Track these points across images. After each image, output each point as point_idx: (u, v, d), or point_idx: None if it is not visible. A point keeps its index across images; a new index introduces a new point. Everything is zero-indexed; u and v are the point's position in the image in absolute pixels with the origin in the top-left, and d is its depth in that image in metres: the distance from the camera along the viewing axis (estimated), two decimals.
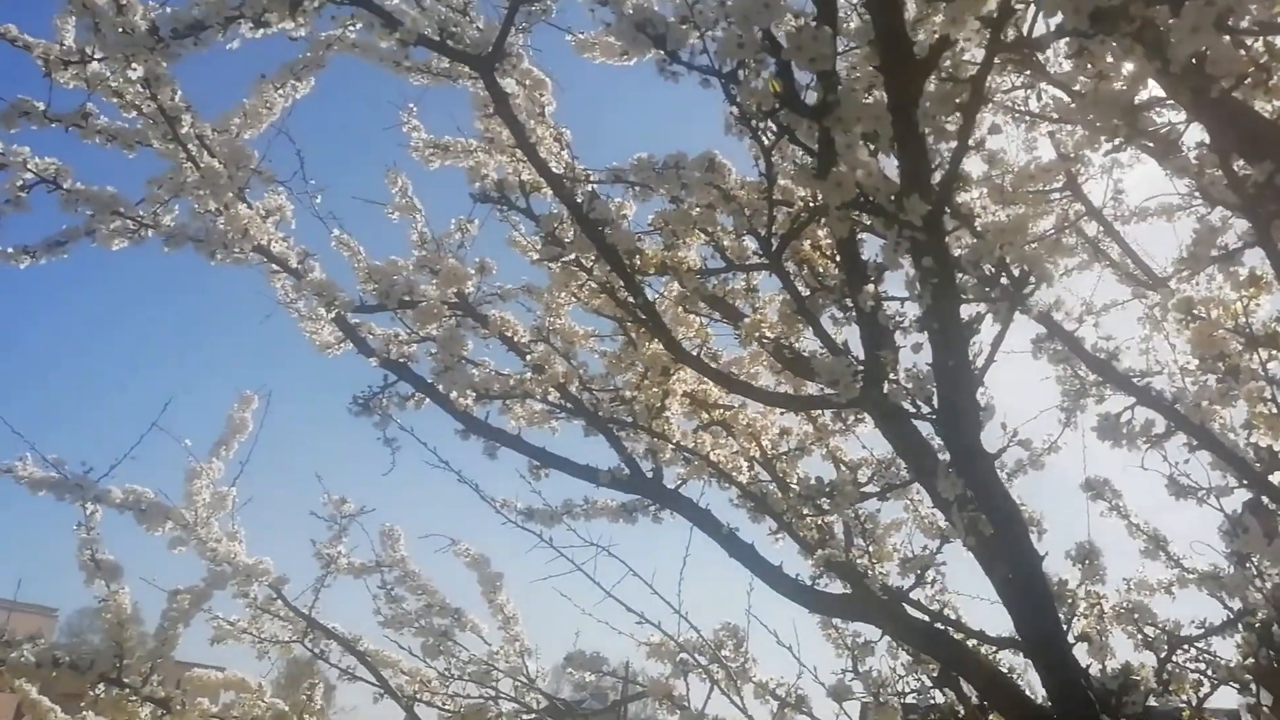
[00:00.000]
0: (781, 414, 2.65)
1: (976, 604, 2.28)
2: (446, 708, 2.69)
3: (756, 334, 1.97)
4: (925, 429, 1.58)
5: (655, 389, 2.39)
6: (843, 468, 2.50)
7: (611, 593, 2.11)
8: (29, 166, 1.97)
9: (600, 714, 2.60)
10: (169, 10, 1.84)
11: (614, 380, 2.53)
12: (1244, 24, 0.79)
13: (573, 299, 2.57)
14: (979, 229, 1.45)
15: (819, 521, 2.03)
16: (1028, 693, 1.75)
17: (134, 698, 2.44)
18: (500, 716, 2.63)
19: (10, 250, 2.48)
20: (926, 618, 1.90)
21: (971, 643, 2.04)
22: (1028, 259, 1.32)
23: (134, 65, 1.78)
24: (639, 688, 2.43)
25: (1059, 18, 0.84)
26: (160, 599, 2.68)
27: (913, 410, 1.39)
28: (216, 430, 3.11)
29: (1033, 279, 1.31)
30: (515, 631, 2.82)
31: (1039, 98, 2.21)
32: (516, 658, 2.75)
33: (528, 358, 2.31)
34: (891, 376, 1.43)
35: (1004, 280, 1.31)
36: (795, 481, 2.43)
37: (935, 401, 1.36)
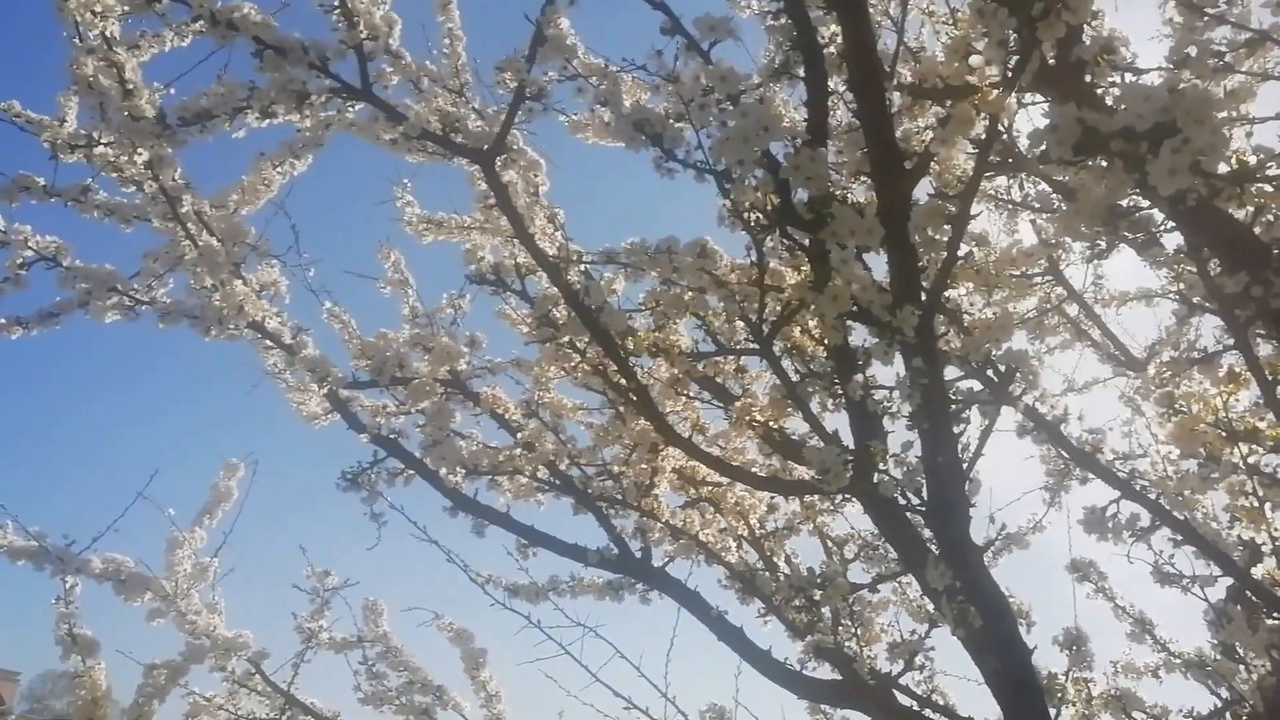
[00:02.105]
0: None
1: (965, 685, 2.28)
2: None
3: (747, 418, 2.00)
4: (915, 518, 1.60)
5: (644, 466, 2.41)
6: (831, 546, 2.51)
7: (598, 676, 2.09)
8: (30, 244, 2.00)
9: None
10: (175, 95, 1.89)
11: (602, 454, 2.54)
12: (1218, 169, 0.84)
13: (562, 373, 2.60)
14: (966, 326, 1.50)
15: (808, 606, 2.03)
16: None
17: None
18: None
19: (3, 321, 2.49)
20: (915, 703, 1.89)
21: None
22: (1013, 357, 1.36)
23: (139, 150, 1.82)
24: None
25: (1043, 146, 0.89)
26: (136, 672, 2.62)
27: (903, 502, 1.41)
28: (201, 498, 3.09)
29: (1019, 376, 1.35)
30: (498, 710, 2.78)
31: (1021, 187, 2.29)
32: None
33: (518, 434, 2.32)
34: (881, 467, 1.45)
35: (990, 375, 1.34)
36: (784, 562, 2.43)
37: (924, 494, 1.38)
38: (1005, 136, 1.12)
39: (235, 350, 2.47)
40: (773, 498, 2.68)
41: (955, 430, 1.28)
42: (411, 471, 2.28)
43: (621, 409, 2.46)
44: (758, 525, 2.50)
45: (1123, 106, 0.81)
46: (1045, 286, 2.93)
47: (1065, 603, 2.30)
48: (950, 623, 1.37)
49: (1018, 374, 1.35)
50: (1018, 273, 2.59)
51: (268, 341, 2.35)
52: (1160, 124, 0.79)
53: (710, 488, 2.58)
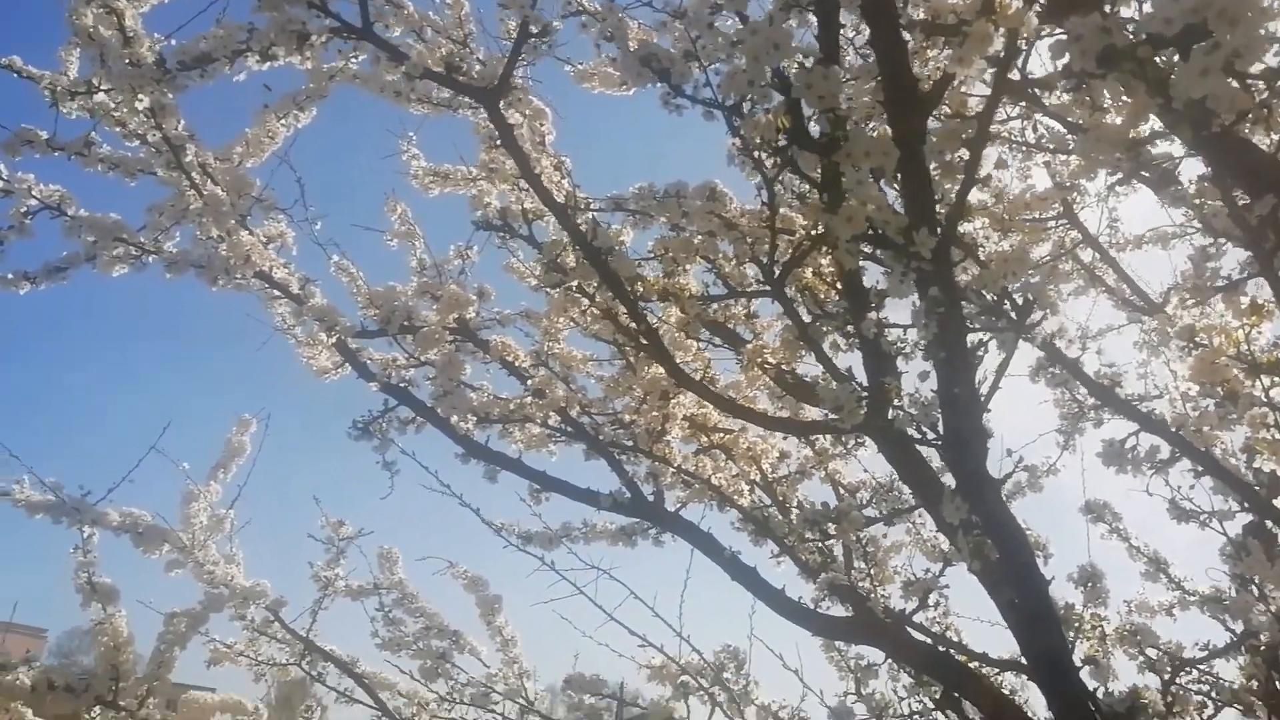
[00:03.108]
0: (782, 438, 2.66)
1: (978, 626, 2.29)
2: None
3: (758, 360, 1.98)
4: (929, 454, 1.59)
5: (655, 413, 2.40)
6: (843, 492, 2.51)
7: (613, 615, 2.10)
8: (33, 193, 1.98)
9: None
10: (175, 42, 1.85)
11: (613, 405, 2.54)
12: (1252, 69, 0.80)
13: (571, 324, 2.58)
14: (983, 259, 1.47)
15: (821, 545, 2.03)
16: (1032, 716, 1.75)
17: None
18: None
19: (10, 276, 2.48)
20: (929, 640, 1.90)
21: (974, 665, 2.04)
22: (1031, 288, 1.33)
23: (140, 96, 1.79)
24: (637, 710, 2.43)
25: (1065, 58, 0.86)
26: (156, 621, 2.66)
27: (918, 437, 1.40)
28: (214, 454, 3.11)
29: (1037, 307, 1.33)
30: (514, 654, 2.81)
31: (1035, 129, 2.24)
32: (515, 680, 2.73)
33: (528, 382, 2.32)
34: (896, 403, 1.44)
35: (1008, 309, 1.32)
36: (796, 506, 2.43)
37: (940, 428, 1.37)
38: (1022, 59, 1.09)
39: (245, 305, 2.47)
40: (785, 441, 2.68)
41: (972, 361, 1.26)
42: (422, 419, 2.28)
43: (631, 359, 2.45)
44: (770, 470, 2.50)
45: (1148, 10, 0.78)
46: (1059, 230, 2.88)
47: (1079, 546, 2.30)
48: (966, 557, 1.36)
49: (1036, 306, 1.33)
50: (1031, 217, 2.55)
51: (275, 292, 2.34)
52: (1190, 26, 0.76)
53: (721, 434, 2.58)
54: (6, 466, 2.55)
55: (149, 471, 2.75)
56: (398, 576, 2.87)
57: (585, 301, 2.19)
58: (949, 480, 1.46)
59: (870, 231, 1.10)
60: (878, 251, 1.19)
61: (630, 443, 2.28)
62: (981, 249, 1.59)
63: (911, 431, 1.39)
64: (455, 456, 2.23)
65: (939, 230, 1.14)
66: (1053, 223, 2.80)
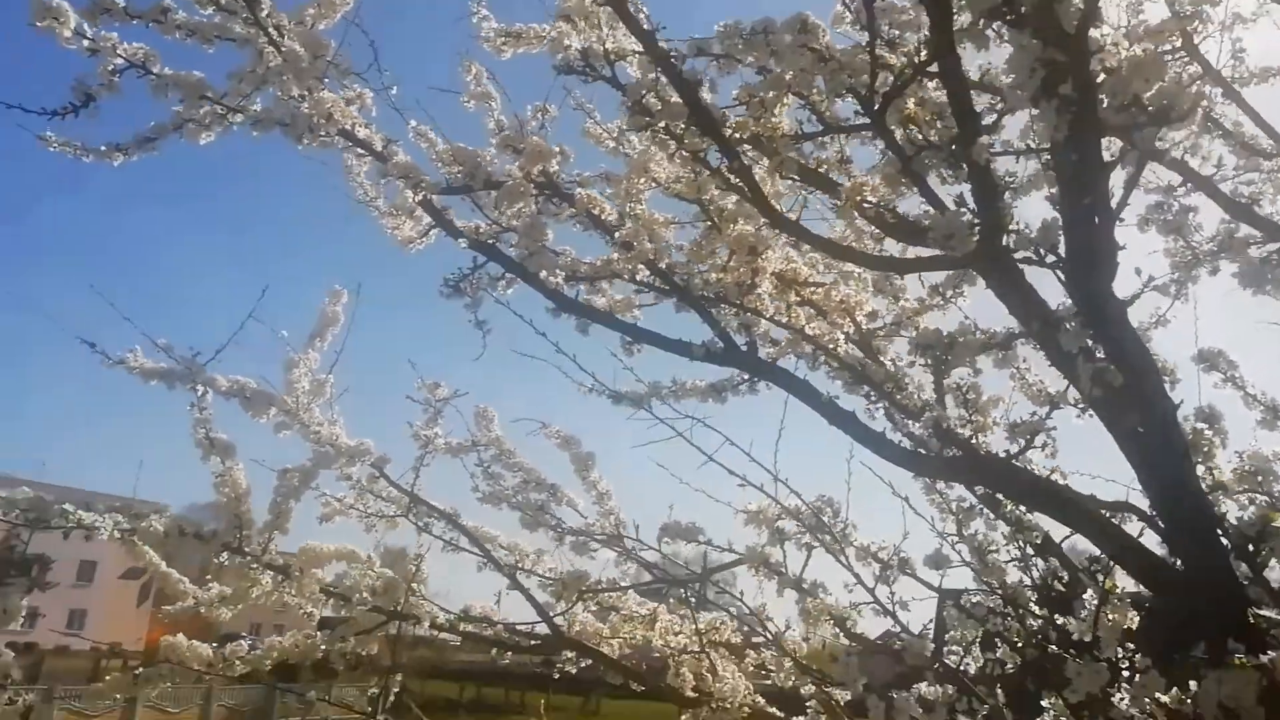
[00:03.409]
0: (872, 295, 2.59)
1: (1081, 482, 2.24)
2: (546, 576, 2.78)
3: (857, 199, 1.90)
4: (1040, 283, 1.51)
5: (743, 269, 2.35)
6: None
7: (712, 456, 2.11)
8: (119, 52, 1.98)
9: (696, 579, 2.67)
10: None
11: (699, 269, 2.49)
12: None
13: (652, 184, 2.51)
14: (1113, 65, 1.34)
15: (922, 392, 1.99)
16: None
17: (255, 566, 2.58)
18: (599, 583, 2.71)
19: (104, 148, 2.53)
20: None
21: None
22: (1167, 93, 1.22)
23: None
24: (733, 556, 2.47)
25: None
26: (269, 481, 2.80)
27: (1036, 259, 1.32)
28: (309, 325, 3.20)
29: (1172, 114, 1.21)
30: (609, 506, 2.88)
31: None
32: (612, 530, 2.81)
33: (615, 235, 2.28)
34: (1011, 226, 1.36)
35: (1141, 118, 1.21)
36: (890, 361, 2.38)
37: (1061, 249, 1.29)
38: None
39: (330, 176, 2.48)
40: (877, 297, 2.61)
41: (1105, 165, 1.17)
42: (512, 276, 2.28)
43: (716, 219, 2.38)
44: (864, 323, 2.44)
45: None
46: (1178, 65, 2.64)
47: (1190, 398, 2.21)
48: (1085, 385, 1.30)
49: (1172, 113, 1.22)
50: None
51: (360, 151, 2.33)
52: None
53: (812, 290, 2.51)
54: (119, 332, 2.67)
55: (249, 339, 2.84)
56: (494, 434, 2.95)
57: (672, 146, 2.12)
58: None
59: (1004, 7, 1.00)
60: (1004, 32, 1.08)
61: (721, 294, 2.24)
62: (1111, 55, 1.45)
63: (1029, 254, 1.32)
64: (546, 311, 2.24)
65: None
66: (1170, 57, 2.57)
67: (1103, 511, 1.77)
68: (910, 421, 1.94)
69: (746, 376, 2.38)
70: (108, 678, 2.69)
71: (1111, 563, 1.52)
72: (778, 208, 1.95)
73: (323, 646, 2.79)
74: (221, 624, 3.33)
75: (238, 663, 2.66)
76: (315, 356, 3.12)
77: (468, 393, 2.96)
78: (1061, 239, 1.28)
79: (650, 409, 2.28)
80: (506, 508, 2.86)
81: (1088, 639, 1.44)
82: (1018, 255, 1.32)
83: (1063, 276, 1.34)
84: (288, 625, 2.92)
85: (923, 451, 1.82)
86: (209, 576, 2.96)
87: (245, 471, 2.54)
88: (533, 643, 2.83)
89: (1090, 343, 1.29)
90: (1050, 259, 1.30)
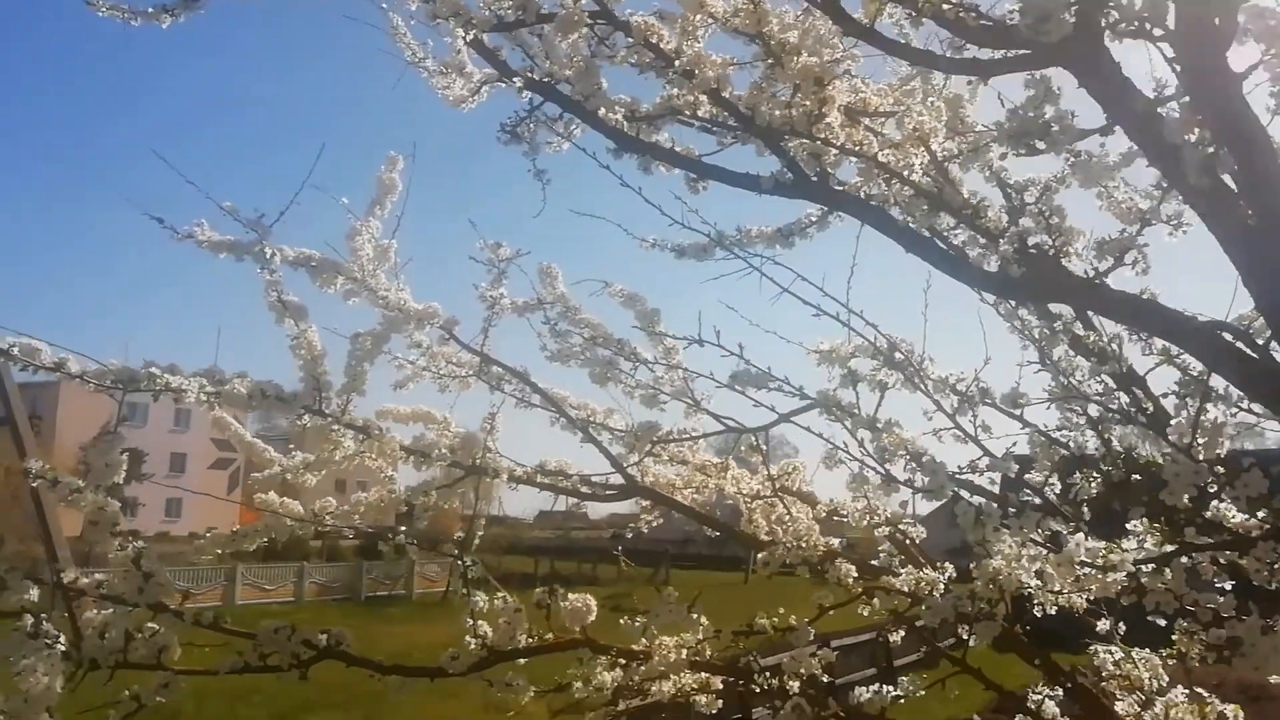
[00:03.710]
0: (945, 123, 2.45)
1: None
2: (618, 430, 2.81)
3: None
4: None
5: (810, 102, 2.23)
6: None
7: (787, 289, 2.06)
8: None
9: (764, 428, 2.67)
10: None
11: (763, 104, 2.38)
12: None
13: (709, 19, 2.38)
14: None
15: (1002, 217, 1.89)
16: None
17: (335, 427, 2.65)
18: (669, 433, 2.73)
19: (151, 9, 2.49)
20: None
21: None
22: None
23: None
24: (806, 401, 2.45)
25: None
26: (342, 351, 2.85)
27: (1142, 33, 1.21)
28: (368, 192, 3.18)
29: None
30: (677, 360, 2.88)
31: None
32: (681, 382, 2.81)
33: (676, 63, 2.17)
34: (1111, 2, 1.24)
35: None
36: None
37: (1170, 19, 1.17)
38: None
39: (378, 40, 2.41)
40: (953, 130, 2.47)
41: None
42: (570, 116, 2.21)
43: (779, 52, 2.25)
44: (939, 151, 2.32)
45: None
46: None
47: None
48: (1192, 172, 1.21)
49: None
50: None
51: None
52: None
53: (883, 119, 2.39)
54: (182, 201, 2.68)
55: (310, 208, 2.84)
56: (559, 291, 2.93)
57: None
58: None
59: None
60: None
61: (788, 125, 2.14)
62: None
63: (1132, 28, 1.20)
64: (607, 151, 2.18)
65: None
66: None
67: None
68: (991, 246, 1.86)
69: (816, 215, 2.30)
70: (209, 533, 2.83)
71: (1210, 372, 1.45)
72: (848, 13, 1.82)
73: (406, 501, 2.90)
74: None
75: (328, 518, 2.79)
76: (376, 224, 3.12)
77: (529, 252, 2.94)
78: (1171, 7, 1.16)
79: (720, 240, 2.21)
80: (575, 365, 2.87)
81: (1185, 441, 1.39)
82: (1121, 27, 1.21)
83: (1169, 52, 1.23)
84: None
85: (1007, 273, 1.74)
86: (290, 444, 3.07)
87: (319, 336, 2.59)
88: (608, 492, 2.89)
89: (1197, 131, 1.19)
90: (1158, 31, 1.19)
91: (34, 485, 2.31)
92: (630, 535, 3.33)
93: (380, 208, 3.20)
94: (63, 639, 2.02)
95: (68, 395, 48.77)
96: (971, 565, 1.91)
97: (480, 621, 2.36)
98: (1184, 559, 1.47)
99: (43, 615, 2.05)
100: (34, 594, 2.10)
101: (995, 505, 1.50)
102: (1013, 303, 2.05)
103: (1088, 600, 2.11)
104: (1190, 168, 1.20)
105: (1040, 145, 1.53)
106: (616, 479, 2.90)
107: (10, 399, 9.61)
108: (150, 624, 2.24)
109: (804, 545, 2.48)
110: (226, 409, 2.87)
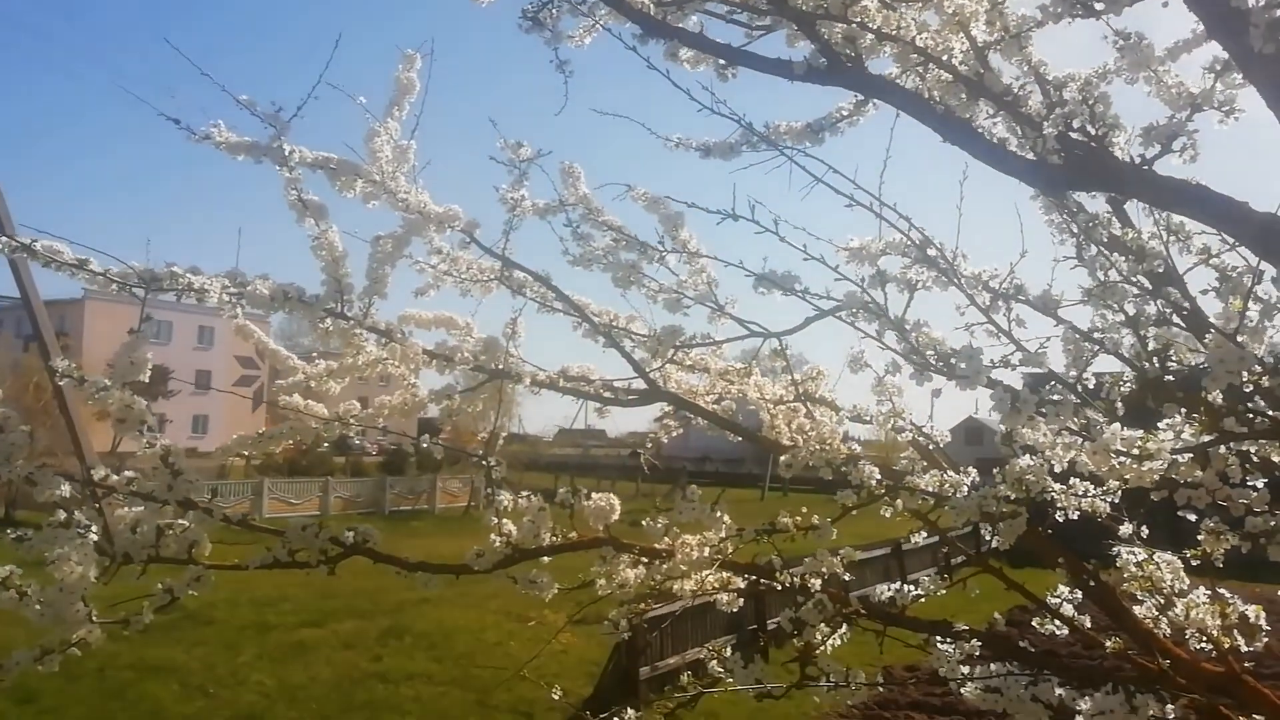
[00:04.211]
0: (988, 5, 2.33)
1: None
2: (640, 335, 2.78)
3: None
4: None
5: None
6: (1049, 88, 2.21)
7: (821, 179, 2.00)
8: None
9: (789, 332, 2.63)
10: None
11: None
12: None
13: None
14: None
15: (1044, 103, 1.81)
16: None
17: (358, 331, 2.64)
18: (693, 338, 2.70)
19: None
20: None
21: None
22: None
23: None
24: (833, 303, 2.41)
25: None
26: (363, 255, 2.81)
27: None
28: (385, 94, 3.09)
29: None
30: (701, 264, 2.83)
31: None
32: (705, 287, 2.77)
33: None
34: None
35: None
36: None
37: None
38: None
39: None
40: (991, 22, 2.35)
41: None
42: (595, 1, 2.12)
43: None
44: (980, 36, 2.21)
45: None
46: None
47: None
48: (1259, 38, 1.14)
49: None
50: None
51: None
52: None
53: (921, 2, 2.28)
54: (196, 99, 2.62)
55: (325, 108, 2.76)
56: (581, 192, 2.87)
57: None
58: None
59: None
60: None
61: (821, 9, 2.04)
62: None
63: None
64: (633, 38, 2.09)
65: None
66: None
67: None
68: (1033, 134, 1.78)
69: (849, 108, 2.22)
70: (235, 436, 2.85)
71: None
72: None
73: (430, 404, 2.91)
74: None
75: (352, 420, 2.80)
76: (395, 125, 3.05)
77: (550, 151, 2.87)
78: None
79: (750, 127, 2.14)
80: (598, 268, 2.83)
81: (1232, 325, 1.34)
82: None
83: None
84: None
85: (1049, 160, 1.67)
86: (315, 355, 3.07)
87: (340, 237, 2.55)
88: (630, 398, 2.88)
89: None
90: None
91: (59, 384, 2.32)
92: (650, 447, 3.33)
93: (398, 109, 3.13)
94: (95, 529, 2.04)
95: (93, 314, 49.36)
96: (995, 470, 1.89)
97: (505, 520, 2.37)
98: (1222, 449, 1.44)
99: (74, 509, 2.08)
100: (65, 489, 2.13)
101: (1031, 391, 1.47)
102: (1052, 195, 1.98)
103: (1110, 505, 2.09)
104: (1258, 32, 1.13)
105: (1098, 6, 1.45)
106: (639, 385, 2.89)
107: (30, 299, 9.66)
108: (180, 520, 2.27)
109: (827, 448, 2.47)
110: (250, 320, 2.87)
